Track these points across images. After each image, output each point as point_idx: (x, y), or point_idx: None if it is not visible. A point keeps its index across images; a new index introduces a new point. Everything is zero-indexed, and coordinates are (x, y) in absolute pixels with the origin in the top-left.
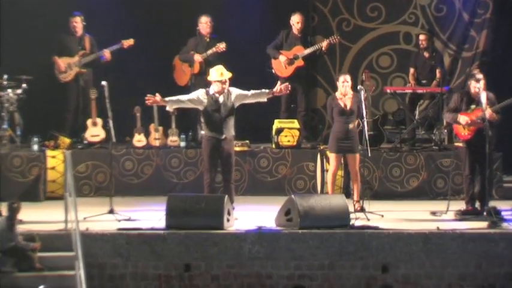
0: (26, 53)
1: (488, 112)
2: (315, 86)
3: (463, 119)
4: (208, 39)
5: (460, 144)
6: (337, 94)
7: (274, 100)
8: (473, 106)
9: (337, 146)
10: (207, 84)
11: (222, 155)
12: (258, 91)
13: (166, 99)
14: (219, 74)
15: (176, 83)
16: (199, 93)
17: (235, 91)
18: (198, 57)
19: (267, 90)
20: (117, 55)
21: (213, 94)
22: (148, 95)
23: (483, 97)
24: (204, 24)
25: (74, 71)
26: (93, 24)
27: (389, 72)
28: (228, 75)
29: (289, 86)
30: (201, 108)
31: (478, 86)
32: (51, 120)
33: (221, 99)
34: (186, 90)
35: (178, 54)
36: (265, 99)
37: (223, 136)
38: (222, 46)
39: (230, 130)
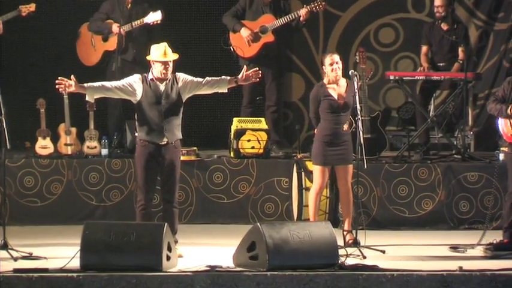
0: None
1: None
2: (289, 70)
3: None
4: (129, 5)
5: (506, 149)
6: (325, 81)
7: (232, 90)
8: None
9: (325, 155)
10: (136, 69)
11: (163, 167)
12: (216, 78)
13: (86, 85)
14: (161, 53)
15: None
16: (133, 80)
17: (183, 77)
18: (116, 28)
19: (229, 78)
20: (13, 26)
21: (151, 81)
22: (60, 78)
23: None
24: None
25: None
26: None
27: (394, 51)
28: (173, 56)
29: (260, 71)
30: (134, 100)
31: None
32: None
33: (162, 88)
34: (105, 75)
35: (88, 22)
36: (226, 90)
37: (165, 140)
38: (152, 19)
39: (175, 132)
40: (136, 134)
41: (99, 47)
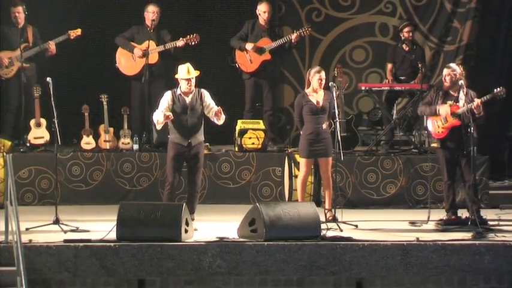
0: None
1: (476, 102)
2: (282, 82)
3: (443, 109)
4: (152, 30)
5: (436, 145)
6: (308, 90)
7: (237, 98)
8: (450, 102)
9: (309, 150)
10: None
11: (188, 162)
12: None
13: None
14: (185, 71)
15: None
16: (167, 98)
17: (207, 97)
18: (138, 51)
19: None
20: (63, 47)
21: (180, 95)
22: (168, 114)
23: (462, 91)
24: (151, 13)
25: (16, 66)
26: (37, 14)
27: (364, 67)
28: (195, 73)
29: (221, 110)
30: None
31: (453, 73)
32: None
33: (188, 100)
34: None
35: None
36: (216, 119)
37: (189, 141)
38: (180, 44)
39: (197, 137)
40: (169, 136)
41: (139, 60)
